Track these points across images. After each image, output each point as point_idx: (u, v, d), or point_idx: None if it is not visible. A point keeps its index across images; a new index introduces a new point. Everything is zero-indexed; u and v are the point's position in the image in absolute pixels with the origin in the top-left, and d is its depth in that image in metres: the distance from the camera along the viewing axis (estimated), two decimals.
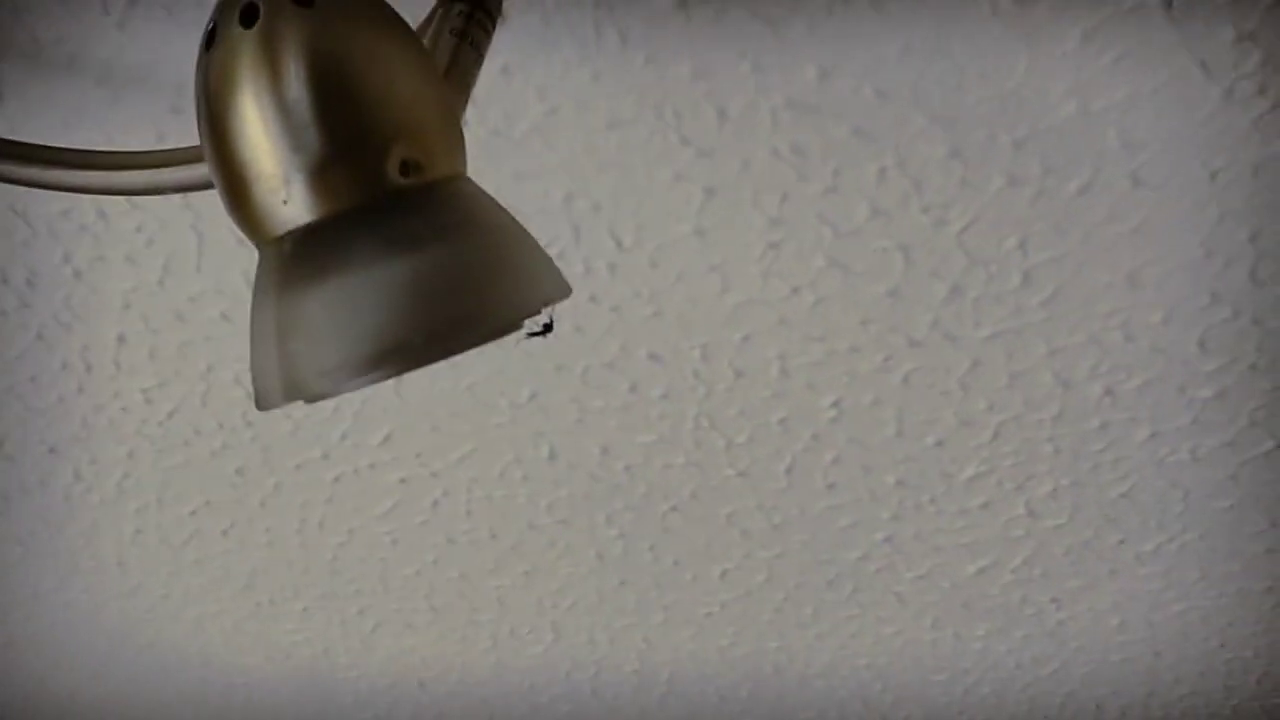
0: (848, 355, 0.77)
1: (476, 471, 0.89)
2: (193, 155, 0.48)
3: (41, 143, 0.54)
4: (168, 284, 0.74)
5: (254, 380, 0.42)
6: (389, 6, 0.42)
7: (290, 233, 0.40)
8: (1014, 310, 0.74)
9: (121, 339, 0.78)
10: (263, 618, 1.07)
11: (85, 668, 1.17)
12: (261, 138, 0.39)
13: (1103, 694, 1.13)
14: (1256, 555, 0.94)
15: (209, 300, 0.75)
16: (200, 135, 0.41)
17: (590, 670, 1.13)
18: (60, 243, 0.72)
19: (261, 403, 0.41)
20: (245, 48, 0.39)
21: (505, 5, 0.57)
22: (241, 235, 0.42)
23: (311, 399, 0.40)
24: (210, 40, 0.40)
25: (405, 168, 0.40)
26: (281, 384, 0.40)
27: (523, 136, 0.65)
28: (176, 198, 0.69)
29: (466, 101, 0.47)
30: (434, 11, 0.48)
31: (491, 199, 0.43)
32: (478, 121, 0.64)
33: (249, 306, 0.74)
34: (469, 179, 0.43)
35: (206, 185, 0.47)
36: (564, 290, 0.43)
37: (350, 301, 0.39)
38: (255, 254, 0.42)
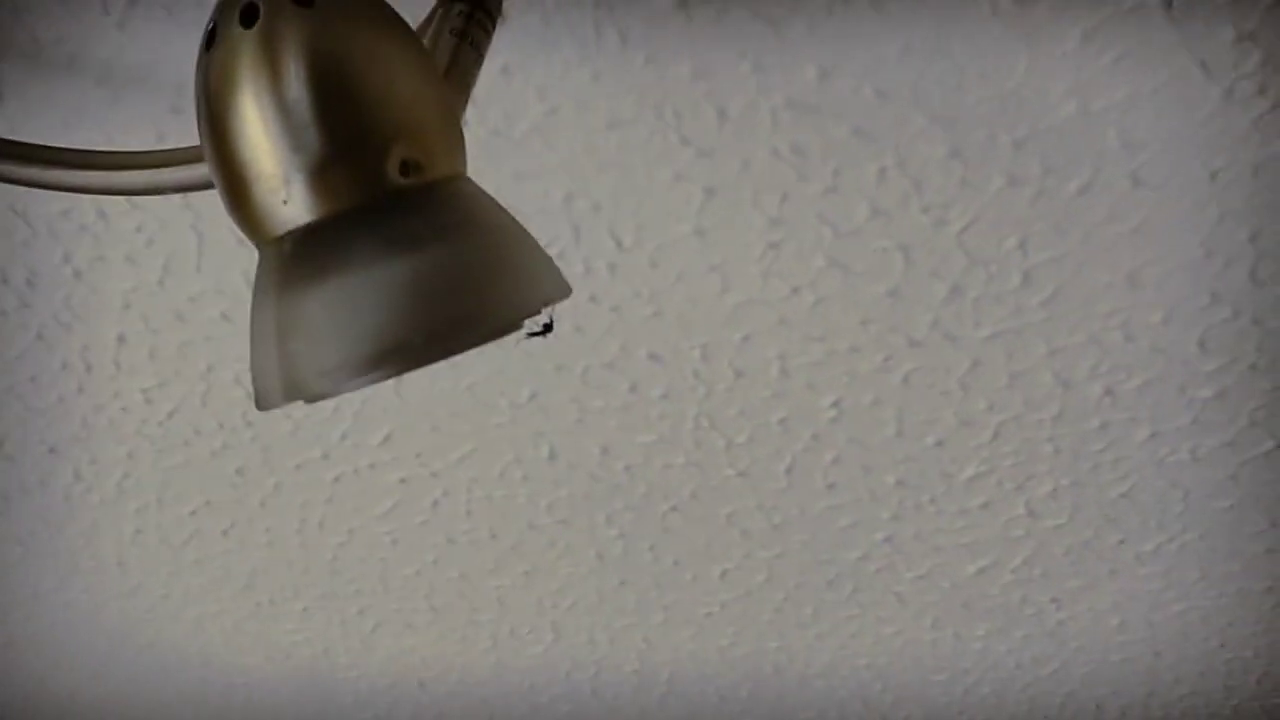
0: (848, 355, 0.77)
1: (476, 471, 0.89)
2: (193, 155, 0.48)
3: (41, 143, 0.54)
4: (168, 284, 0.74)
5: (254, 380, 0.42)
6: (389, 6, 0.42)
7: (290, 233, 0.40)
8: (1014, 310, 0.74)
9: (121, 339, 0.78)
10: (263, 618, 1.07)
11: (85, 668, 1.17)
12: (262, 138, 0.39)
13: (1103, 694, 1.13)
14: (1256, 555, 0.94)
15: (209, 300, 0.75)
16: (200, 135, 0.41)
17: (590, 670, 1.13)
18: (60, 243, 0.72)
19: (261, 403, 0.41)
20: (245, 48, 0.39)
21: (505, 5, 0.57)
22: (241, 235, 0.42)
23: (312, 399, 0.40)
24: (210, 40, 0.40)
25: (405, 168, 0.40)
26: (282, 384, 0.40)
27: (523, 136, 0.65)
28: (176, 198, 0.69)
29: (466, 101, 0.47)
30: (434, 11, 0.48)
31: (492, 199, 0.43)
32: (478, 121, 0.64)
33: (249, 306, 0.74)
34: (469, 179, 0.43)
35: (206, 185, 0.47)
36: (564, 290, 0.43)
37: (350, 301, 0.39)
38: (255, 254, 0.42)
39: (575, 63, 0.61)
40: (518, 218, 0.44)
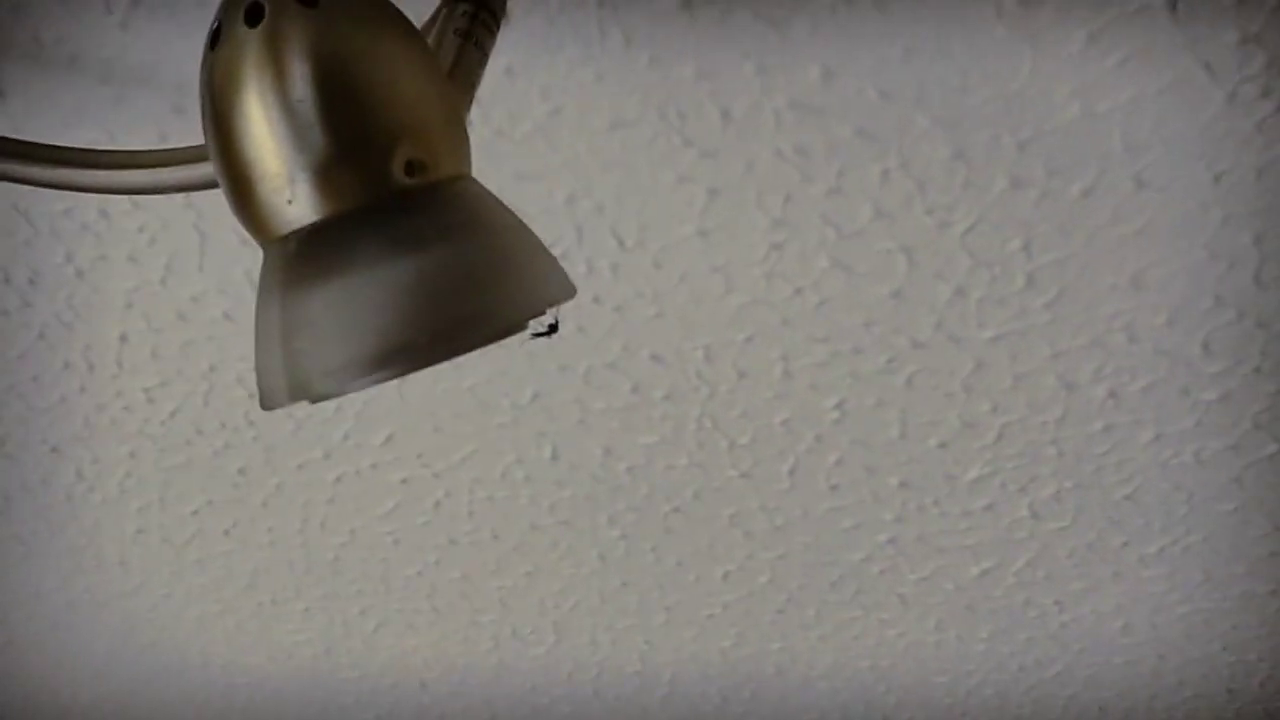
0: (851, 356, 0.77)
1: (478, 472, 0.89)
2: (195, 154, 0.48)
3: (44, 142, 0.54)
4: (170, 283, 0.74)
5: (259, 380, 0.42)
6: (393, 6, 0.42)
7: (295, 232, 0.40)
8: (1018, 312, 0.74)
9: (124, 338, 0.78)
10: (264, 617, 1.07)
11: (87, 667, 1.17)
12: (266, 137, 0.39)
13: (1106, 696, 1.13)
14: (1260, 558, 0.94)
15: (211, 300, 0.75)
16: (205, 134, 0.41)
17: (592, 671, 1.13)
18: (63, 242, 0.72)
19: (266, 402, 0.41)
20: (250, 47, 0.39)
21: (509, 5, 0.57)
22: (244, 234, 0.42)
23: (316, 399, 0.40)
24: (215, 39, 0.40)
25: (410, 168, 0.40)
26: (286, 384, 0.40)
27: (526, 137, 0.65)
28: (179, 197, 0.69)
29: (471, 101, 0.47)
30: (438, 11, 0.48)
31: (496, 199, 0.43)
32: (482, 122, 0.64)
33: (251, 306, 0.74)
34: (473, 179, 0.43)
35: (209, 184, 0.47)
36: (569, 291, 0.43)
37: (355, 301, 0.39)
38: (258, 253, 0.42)
39: (579, 63, 0.61)
40: (521, 218, 0.44)
